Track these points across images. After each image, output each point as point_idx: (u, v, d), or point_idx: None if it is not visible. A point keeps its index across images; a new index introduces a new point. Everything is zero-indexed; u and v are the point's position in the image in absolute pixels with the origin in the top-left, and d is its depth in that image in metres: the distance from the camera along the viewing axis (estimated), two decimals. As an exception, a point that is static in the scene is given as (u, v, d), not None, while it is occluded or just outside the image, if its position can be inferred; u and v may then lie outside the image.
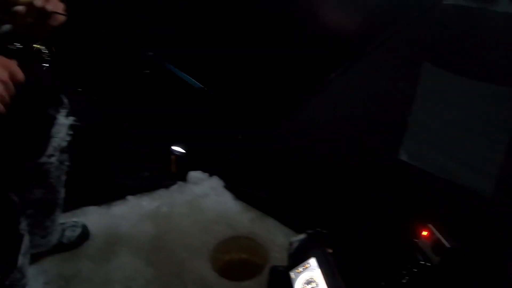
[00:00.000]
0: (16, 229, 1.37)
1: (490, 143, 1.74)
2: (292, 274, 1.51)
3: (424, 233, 1.41)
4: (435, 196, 1.78)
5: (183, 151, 2.56)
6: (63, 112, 1.60)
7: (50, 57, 1.39)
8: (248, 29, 2.38)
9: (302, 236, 1.72)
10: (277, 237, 2.22)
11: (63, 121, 1.60)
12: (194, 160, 2.59)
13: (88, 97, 2.62)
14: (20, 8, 1.23)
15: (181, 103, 2.54)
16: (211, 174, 2.56)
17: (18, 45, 1.32)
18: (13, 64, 1.10)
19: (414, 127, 1.88)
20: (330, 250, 1.55)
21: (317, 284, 1.41)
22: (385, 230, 1.76)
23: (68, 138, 1.64)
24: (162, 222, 2.29)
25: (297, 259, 1.58)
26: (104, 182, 2.48)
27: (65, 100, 1.63)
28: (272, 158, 2.42)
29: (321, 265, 1.46)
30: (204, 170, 2.57)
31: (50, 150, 1.56)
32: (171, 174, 2.56)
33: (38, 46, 1.36)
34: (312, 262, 1.49)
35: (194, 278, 2.00)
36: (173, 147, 2.55)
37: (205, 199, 2.44)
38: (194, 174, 2.54)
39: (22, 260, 1.38)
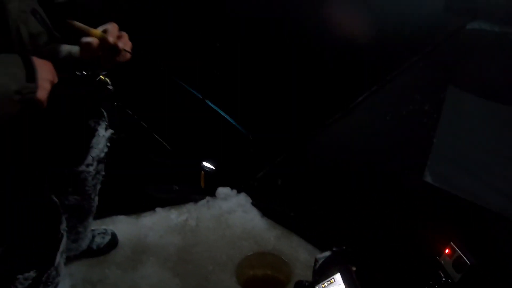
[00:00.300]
0: (57, 228, 1.43)
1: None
2: (317, 289, 1.55)
3: (446, 250, 1.44)
4: (458, 216, 1.80)
5: (212, 167, 2.62)
6: (103, 124, 1.69)
7: (111, 88, 1.52)
8: (278, 54, 2.46)
9: (327, 253, 1.74)
10: (301, 254, 2.24)
11: (103, 133, 1.69)
12: (223, 177, 2.63)
13: (125, 111, 2.72)
14: (94, 41, 1.35)
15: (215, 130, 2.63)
16: (239, 191, 2.61)
17: (84, 72, 1.46)
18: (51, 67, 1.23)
19: (439, 149, 1.90)
20: (354, 268, 1.58)
21: (342, 299, 1.44)
22: (409, 248, 1.78)
23: (106, 150, 1.72)
24: (189, 235, 2.34)
25: (322, 275, 1.59)
26: (134, 192, 2.54)
27: (105, 114, 1.72)
28: (298, 178, 2.47)
29: (345, 280, 1.49)
30: (232, 186, 2.61)
31: (89, 160, 1.63)
32: (200, 189, 2.59)
33: (102, 77, 1.50)
34: (337, 277, 1.51)
35: (219, 291, 2.05)
36: (204, 163, 2.61)
37: (232, 214, 2.48)
38: (222, 190, 2.59)
39: (59, 258, 1.44)
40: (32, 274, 1.33)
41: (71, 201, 1.73)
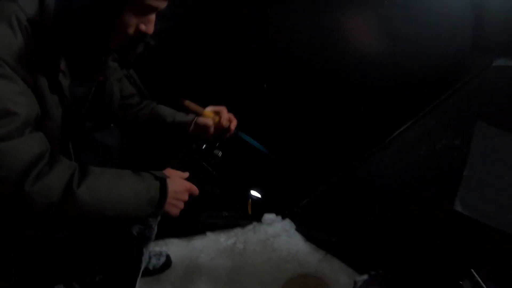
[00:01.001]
0: (140, 259, 1.63)
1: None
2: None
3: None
4: (483, 243, 1.93)
5: (258, 195, 2.82)
6: None
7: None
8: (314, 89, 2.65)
9: (365, 276, 1.92)
10: (341, 277, 2.39)
11: None
12: (269, 204, 2.82)
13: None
14: (211, 124, 1.75)
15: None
16: (283, 217, 2.79)
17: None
18: (191, 185, 1.59)
19: (468, 180, 2.04)
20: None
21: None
22: (437, 272, 1.91)
23: None
24: (238, 258, 2.52)
25: None
26: (187, 218, 2.73)
27: None
28: (340, 205, 2.63)
29: None
30: (277, 213, 2.80)
31: None
32: (247, 215, 2.79)
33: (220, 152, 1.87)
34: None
35: (265, 309, 2.22)
36: (251, 192, 2.82)
37: (277, 239, 2.66)
38: (268, 216, 2.79)
39: (138, 284, 1.65)
40: None
41: (135, 230, 1.95)
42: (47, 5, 1.24)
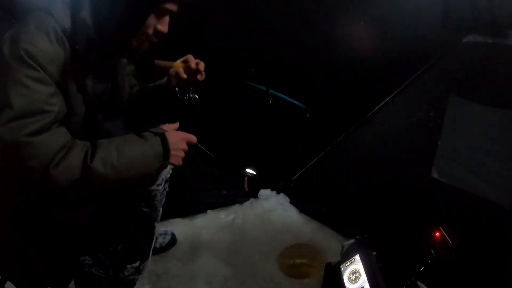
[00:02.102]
0: (153, 231, 1.82)
1: (509, 162, 2.05)
2: (341, 267, 1.90)
3: (437, 233, 1.77)
4: (459, 205, 2.11)
5: (254, 172, 3.00)
6: None
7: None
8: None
9: (351, 240, 2.08)
10: (333, 244, 2.57)
11: None
12: (264, 180, 2.99)
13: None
14: (180, 69, 1.83)
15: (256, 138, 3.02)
16: (278, 192, 2.96)
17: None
18: (188, 135, 1.68)
19: (443, 149, 2.20)
20: (374, 252, 1.92)
21: (359, 274, 1.78)
22: (413, 233, 2.07)
23: (171, 172, 1.99)
24: (237, 232, 2.69)
25: (347, 257, 1.94)
26: (188, 198, 2.90)
27: None
28: (328, 178, 2.81)
29: (362, 259, 1.83)
30: (272, 188, 2.97)
31: (159, 180, 1.89)
32: (244, 192, 2.96)
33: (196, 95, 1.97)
34: (357, 258, 1.87)
35: (264, 276, 2.38)
36: (246, 170, 2.99)
37: (273, 213, 2.83)
38: (263, 192, 2.96)
39: (150, 253, 1.81)
40: (137, 264, 1.70)
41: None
42: (82, 18, 1.50)
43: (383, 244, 1.98)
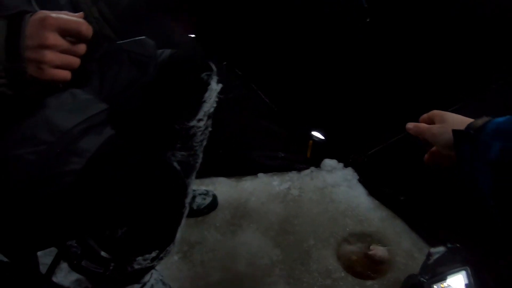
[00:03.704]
0: (183, 202, 1.32)
1: None
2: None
3: None
4: None
5: (321, 137, 2.53)
6: (214, 78, 1.62)
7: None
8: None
9: (441, 249, 1.66)
10: (403, 241, 2.12)
11: (214, 87, 1.62)
12: (331, 148, 2.53)
13: (233, 70, 2.67)
14: None
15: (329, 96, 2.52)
16: (346, 165, 2.49)
17: None
18: (70, 19, 0.92)
19: None
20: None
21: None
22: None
23: (215, 105, 1.65)
24: (291, 205, 2.27)
25: (438, 272, 1.56)
26: (237, 155, 2.50)
27: (214, 68, 1.65)
28: (415, 161, 2.31)
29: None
30: (339, 159, 2.50)
31: (200, 115, 1.57)
32: (305, 158, 2.52)
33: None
34: (457, 280, 1.45)
35: (320, 268, 1.96)
36: (313, 132, 2.53)
37: (336, 188, 2.37)
38: (328, 162, 2.48)
39: (179, 233, 1.33)
40: (153, 254, 1.25)
41: (177, 157, 1.69)
42: None
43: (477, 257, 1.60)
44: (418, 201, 2.24)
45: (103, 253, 1.15)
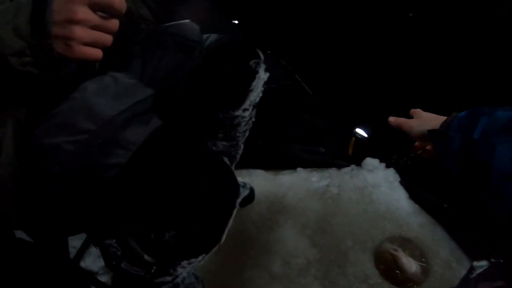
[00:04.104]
0: (234, 203, 1.18)
1: None
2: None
3: None
4: None
5: (365, 135, 2.44)
6: (262, 66, 1.55)
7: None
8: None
9: (485, 263, 1.57)
10: (442, 250, 2.02)
11: (262, 76, 1.55)
12: (374, 147, 2.44)
13: (277, 60, 2.60)
14: None
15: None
16: (388, 166, 2.39)
17: None
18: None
19: None
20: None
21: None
22: None
23: (261, 94, 1.58)
24: (330, 203, 2.19)
25: None
26: (276, 147, 2.44)
27: (262, 56, 1.58)
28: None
29: None
30: (382, 159, 2.41)
31: (246, 104, 1.51)
32: (346, 155, 2.44)
33: None
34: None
35: (356, 272, 1.89)
36: (357, 129, 2.44)
37: (376, 189, 2.28)
38: (370, 161, 2.38)
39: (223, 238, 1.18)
40: (199, 258, 1.14)
41: (219, 147, 1.63)
42: None
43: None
44: (461, 210, 2.15)
45: (146, 257, 1.08)
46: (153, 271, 1.12)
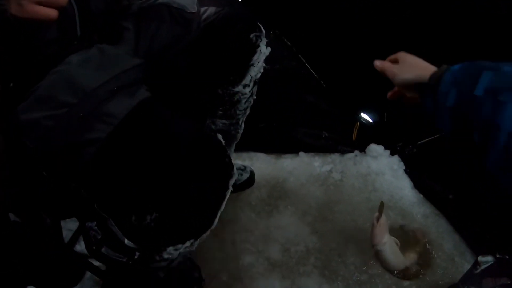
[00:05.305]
0: (227, 185, 1.12)
1: None
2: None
3: None
4: None
5: (370, 120, 2.38)
6: (264, 40, 1.48)
7: None
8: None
9: (489, 258, 1.54)
10: (446, 243, 1.99)
11: (263, 50, 1.48)
12: (379, 133, 2.39)
13: (281, 40, 2.53)
14: None
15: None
16: (392, 153, 2.34)
17: None
18: None
19: None
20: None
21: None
22: None
23: (262, 70, 1.52)
24: (332, 189, 2.14)
25: (484, 285, 1.46)
26: (279, 130, 2.38)
27: (263, 29, 1.51)
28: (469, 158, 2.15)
29: None
30: (386, 146, 2.35)
31: (247, 79, 1.45)
32: (350, 140, 2.39)
33: None
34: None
35: (357, 262, 1.85)
36: (361, 114, 2.38)
37: (380, 177, 2.23)
38: (374, 147, 2.32)
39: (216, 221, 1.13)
40: (186, 244, 1.07)
41: (218, 126, 1.57)
42: None
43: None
44: (468, 202, 2.10)
45: (127, 242, 1.02)
46: (136, 257, 1.05)
